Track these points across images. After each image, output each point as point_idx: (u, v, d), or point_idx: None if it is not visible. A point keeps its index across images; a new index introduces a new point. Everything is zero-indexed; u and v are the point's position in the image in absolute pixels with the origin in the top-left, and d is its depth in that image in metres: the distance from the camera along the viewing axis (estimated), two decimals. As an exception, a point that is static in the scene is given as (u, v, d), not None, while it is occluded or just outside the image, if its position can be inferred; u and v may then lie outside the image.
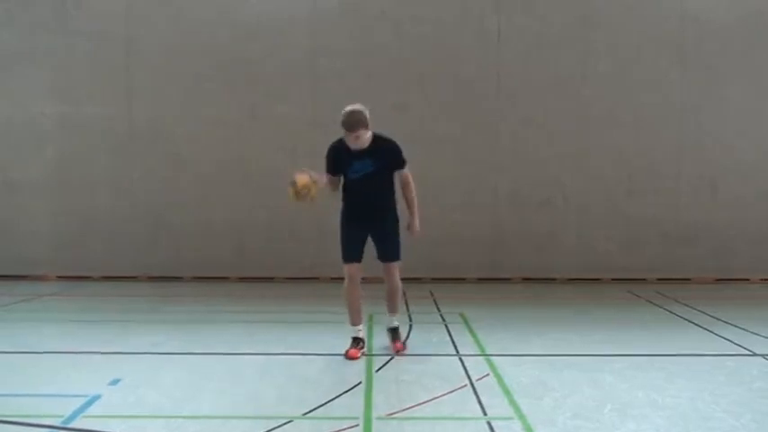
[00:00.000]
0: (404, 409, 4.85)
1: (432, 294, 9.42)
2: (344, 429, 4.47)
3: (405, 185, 6.36)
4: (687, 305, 8.81)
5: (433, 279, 10.46)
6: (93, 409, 4.84)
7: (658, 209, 10.89)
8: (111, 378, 5.52)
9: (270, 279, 10.77)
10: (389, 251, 6.35)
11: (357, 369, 5.82)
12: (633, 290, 10.00)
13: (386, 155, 6.22)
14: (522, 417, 4.71)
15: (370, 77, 10.77)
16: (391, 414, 4.77)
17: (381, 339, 6.61)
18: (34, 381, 5.57)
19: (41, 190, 10.87)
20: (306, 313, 8.28)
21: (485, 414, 4.81)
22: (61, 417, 4.66)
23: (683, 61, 10.83)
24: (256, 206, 10.84)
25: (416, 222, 6.35)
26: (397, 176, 6.34)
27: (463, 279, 10.74)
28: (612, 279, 10.77)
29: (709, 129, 10.87)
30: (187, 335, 7.19)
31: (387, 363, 6.02)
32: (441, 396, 5.13)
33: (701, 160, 10.90)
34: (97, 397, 5.07)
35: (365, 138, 6.11)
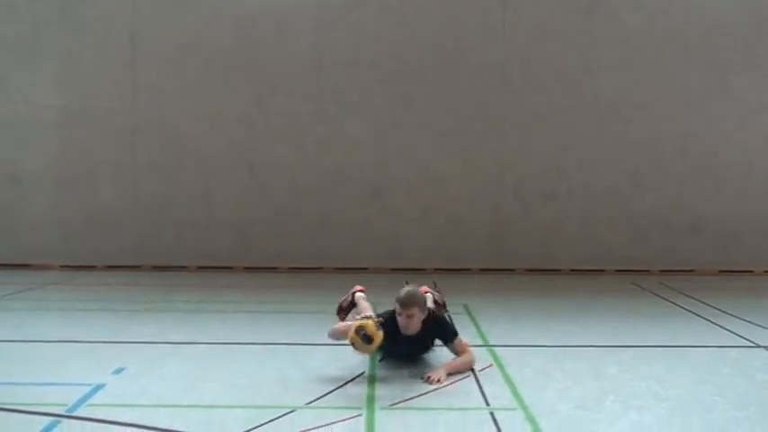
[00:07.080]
0: (407, 399, 4.86)
1: (435, 285, 9.41)
2: (348, 419, 4.47)
3: (459, 354, 5.56)
4: (691, 297, 8.81)
5: (437, 270, 10.44)
6: (97, 398, 4.86)
7: (663, 201, 10.89)
8: (116, 367, 5.54)
9: (274, 269, 10.79)
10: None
11: (361, 359, 5.82)
12: (637, 281, 10.00)
13: (432, 333, 5.60)
14: (524, 407, 4.72)
15: (376, 70, 10.77)
16: (394, 404, 4.77)
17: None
18: (38, 369, 5.58)
19: (46, 181, 10.90)
20: (310, 303, 8.28)
21: (487, 404, 4.81)
22: (65, 405, 4.67)
23: (688, 53, 10.79)
24: (261, 196, 10.86)
25: (444, 374, 5.27)
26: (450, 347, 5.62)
27: (467, 270, 10.74)
28: (616, 270, 10.77)
29: (714, 121, 10.86)
30: (191, 324, 7.22)
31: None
32: (444, 386, 5.14)
33: (705, 152, 10.88)
34: (101, 386, 5.09)
35: (416, 322, 5.45)
